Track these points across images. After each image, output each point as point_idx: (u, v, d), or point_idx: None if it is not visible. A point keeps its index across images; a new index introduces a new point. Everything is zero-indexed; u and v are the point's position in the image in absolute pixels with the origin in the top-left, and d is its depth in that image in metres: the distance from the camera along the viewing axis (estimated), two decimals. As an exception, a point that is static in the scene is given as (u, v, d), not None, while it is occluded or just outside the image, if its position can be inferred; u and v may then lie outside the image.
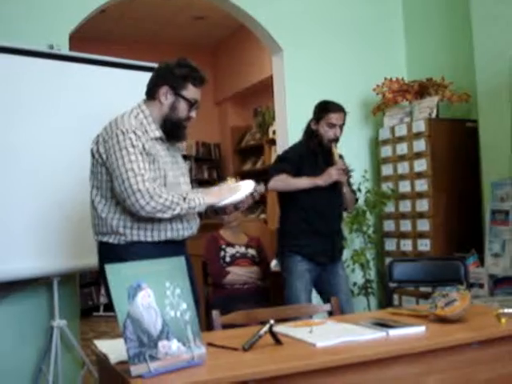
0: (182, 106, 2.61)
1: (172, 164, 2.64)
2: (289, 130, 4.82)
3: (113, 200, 2.54)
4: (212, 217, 2.78)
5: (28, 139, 3.51)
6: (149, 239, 2.55)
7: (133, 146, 2.46)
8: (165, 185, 2.54)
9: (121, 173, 2.43)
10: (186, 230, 2.64)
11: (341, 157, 3.78)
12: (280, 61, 5.01)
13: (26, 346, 3.67)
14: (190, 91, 2.60)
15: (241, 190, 2.62)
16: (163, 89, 2.59)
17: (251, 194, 2.61)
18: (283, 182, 3.63)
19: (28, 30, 3.81)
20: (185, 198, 2.48)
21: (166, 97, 2.60)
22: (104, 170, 2.54)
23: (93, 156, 2.60)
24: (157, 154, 2.55)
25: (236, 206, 2.61)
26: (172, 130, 2.63)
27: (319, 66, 5.05)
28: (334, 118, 3.64)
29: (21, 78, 3.51)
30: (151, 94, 2.63)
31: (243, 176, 8.07)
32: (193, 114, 2.64)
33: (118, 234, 2.55)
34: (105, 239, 2.58)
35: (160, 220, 2.52)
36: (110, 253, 2.56)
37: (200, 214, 2.72)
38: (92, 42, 6.40)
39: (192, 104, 2.62)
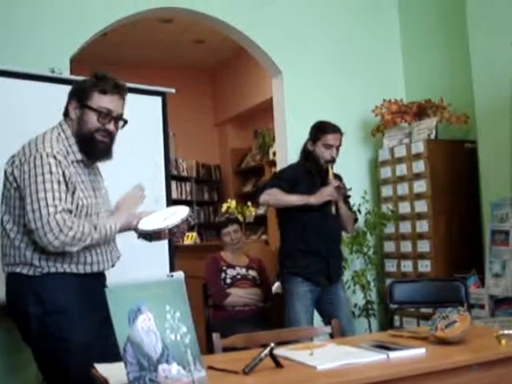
0: (90, 117, 2.41)
1: (93, 191, 2.47)
2: (289, 152, 4.83)
3: (26, 227, 2.30)
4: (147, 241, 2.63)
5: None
6: (67, 271, 2.35)
7: (50, 173, 2.26)
8: (86, 215, 2.36)
9: (32, 200, 2.23)
10: (106, 262, 2.49)
11: (339, 177, 3.80)
12: (280, 83, 5.05)
13: (17, 373, 3.55)
14: (97, 100, 2.41)
15: (175, 214, 2.50)
16: (72, 104, 2.45)
17: (186, 220, 2.49)
18: (274, 196, 3.61)
19: (29, 54, 3.85)
20: (96, 227, 2.31)
21: (75, 112, 2.44)
22: (18, 194, 2.32)
23: (6, 178, 2.38)
24: (78, 182, 2.38)
25: (171, 231, 2.47)
26: (85, 146, 2.43)
27: (318, 87, 5.08)
28: (330, 138, 3.66)
29: (22, 102, 3.53)
30: (66, 112, 2.48)
31: (244, 197, 8.10)
32: (110, 126, 2.44)
33: (32, 266, 2.32)
34: (17, 270, 2.35)
35: (78, 252, 2.33)
36: (23, 285, 2.33)
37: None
38: (93, 65, 6.40)
39: (101, 113, 2.41)
